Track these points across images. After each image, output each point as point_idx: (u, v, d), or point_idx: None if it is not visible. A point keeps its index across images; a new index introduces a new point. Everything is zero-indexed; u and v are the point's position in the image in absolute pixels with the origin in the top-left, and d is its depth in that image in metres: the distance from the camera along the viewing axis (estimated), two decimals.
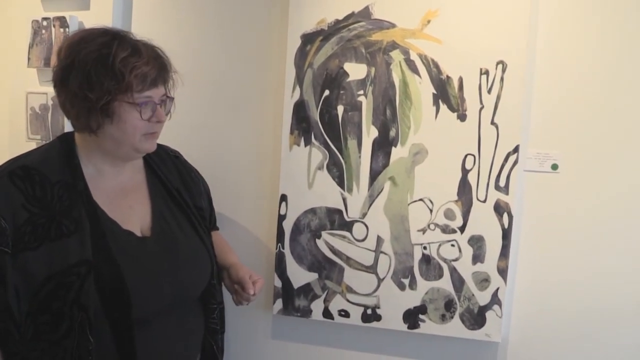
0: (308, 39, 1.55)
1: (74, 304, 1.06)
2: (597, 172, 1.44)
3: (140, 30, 1.68)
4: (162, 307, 1.17)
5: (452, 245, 1.49)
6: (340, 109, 1.54)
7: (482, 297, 1.47)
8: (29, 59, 1.78)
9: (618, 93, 1.41)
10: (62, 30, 1.73)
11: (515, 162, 1.44)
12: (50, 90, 1.76)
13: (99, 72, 1.08)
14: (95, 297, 1.07)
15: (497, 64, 1.43)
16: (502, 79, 1.43)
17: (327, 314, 1.58)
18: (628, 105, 1.41)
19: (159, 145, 1.38)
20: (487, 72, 1.44)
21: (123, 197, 1.21)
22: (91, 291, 1.06)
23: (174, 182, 1.33)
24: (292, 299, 1.60)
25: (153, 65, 1.13)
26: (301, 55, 1.56)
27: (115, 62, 1.08)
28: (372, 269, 1.55)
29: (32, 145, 1.72)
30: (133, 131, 1.14)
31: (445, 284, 1.50)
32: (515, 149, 1.44)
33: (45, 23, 1.74)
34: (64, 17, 1.72)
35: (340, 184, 1.55)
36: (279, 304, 1.61)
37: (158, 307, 1.16)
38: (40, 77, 1.82)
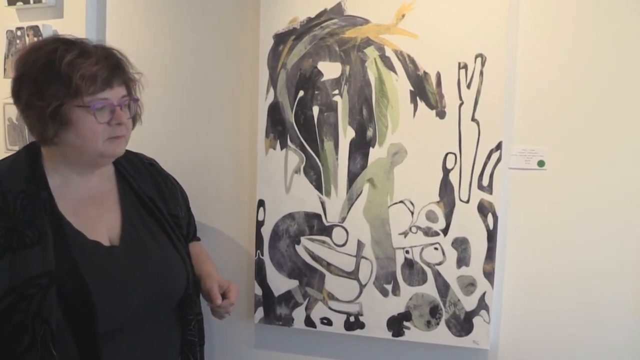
0: (280, 38, 1.50)
1: (36, 316, 1.03)
2: (587, 168, 1.36)
3: (114, 36, 1.68)
4: (130, 319, 1.13)
5: (436, 249, 1.43)
6: (315, 110, 1.49)
7: (469, 302, 1.41)
8: (4, 69, 1.77)
9: (606, 82, 1.34)
10: (35, 39, 1.70)
11: (499, 160, 1.37)
12: None
13: (46, 79, 1.06)
14: (57, 309, 1.04)
15: (476, 57, 1.37)
16: (481, 73, 1.37)
17: (309, 322, 1.53)
18: (617, 94, 1.34)
19: (133, 154, 1.35)
20: (465, 67, 1.38)
21: (90, 206, 1.18)
22: (53, 303, 1.03)
23: (147, 190, 1.29)
24: (273, 308, 1.55)
25: (103, 65, 1.09)
26: (274, 56, 1.51)
27: (62, 66, 1.05)
28: (353, 274, 1.49)
29: None
30: (93, 136, 1.10)
31: (429, 289, 1.43)
32: (498, 146, 1.37)
33: (19, 33, 1.73)
34: (37, 26, 1.70)
35: (318, 187, 1.50)
36: (260, 312, 1.57)
37: (126, 319, 1.13)
38: None
